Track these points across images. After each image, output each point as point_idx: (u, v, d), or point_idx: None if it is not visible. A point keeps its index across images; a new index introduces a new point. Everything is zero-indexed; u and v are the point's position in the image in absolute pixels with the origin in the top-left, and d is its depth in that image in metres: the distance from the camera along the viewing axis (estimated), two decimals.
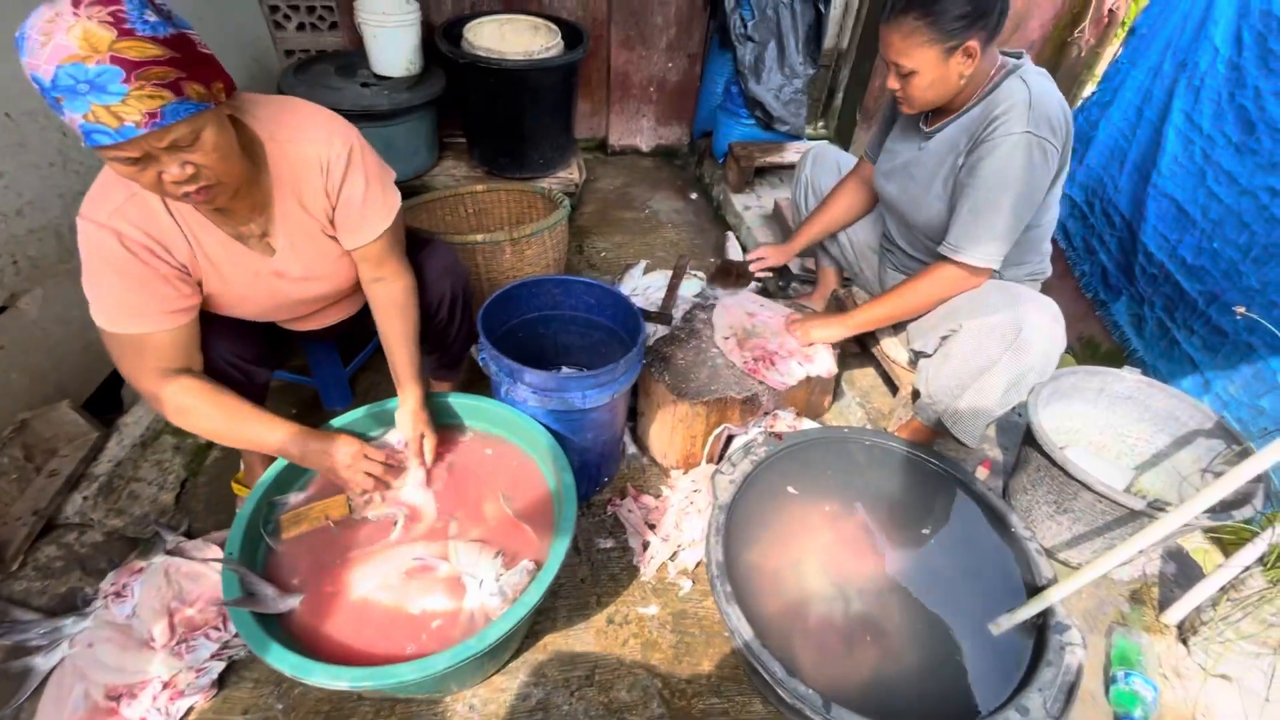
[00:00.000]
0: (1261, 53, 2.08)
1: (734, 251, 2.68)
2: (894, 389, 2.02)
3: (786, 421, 1.70)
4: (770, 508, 1.43)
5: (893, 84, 1.41)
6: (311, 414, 1.87)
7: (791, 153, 2.95)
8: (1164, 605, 1.42)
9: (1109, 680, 1.31)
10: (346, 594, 1.18)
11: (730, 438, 1.68)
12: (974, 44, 1.29)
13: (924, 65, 1.32)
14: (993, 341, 1.39)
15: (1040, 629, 1.18)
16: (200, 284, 1.19)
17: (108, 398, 1.86)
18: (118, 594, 1.34)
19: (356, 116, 2.40)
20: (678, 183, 3.33)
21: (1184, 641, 1.37)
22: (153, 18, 0.89)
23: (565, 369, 1.85)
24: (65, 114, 0.85)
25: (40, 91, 0.84)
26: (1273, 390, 1.96)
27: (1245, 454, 1.35)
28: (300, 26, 2.79)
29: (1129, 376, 1.55)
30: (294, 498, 1.33)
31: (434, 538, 1.28)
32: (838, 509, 1.46)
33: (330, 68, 2.59)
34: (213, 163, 0.99)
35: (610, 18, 3.00)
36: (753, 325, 1.79)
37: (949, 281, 1.48)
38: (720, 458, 1.71)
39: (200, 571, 1.36)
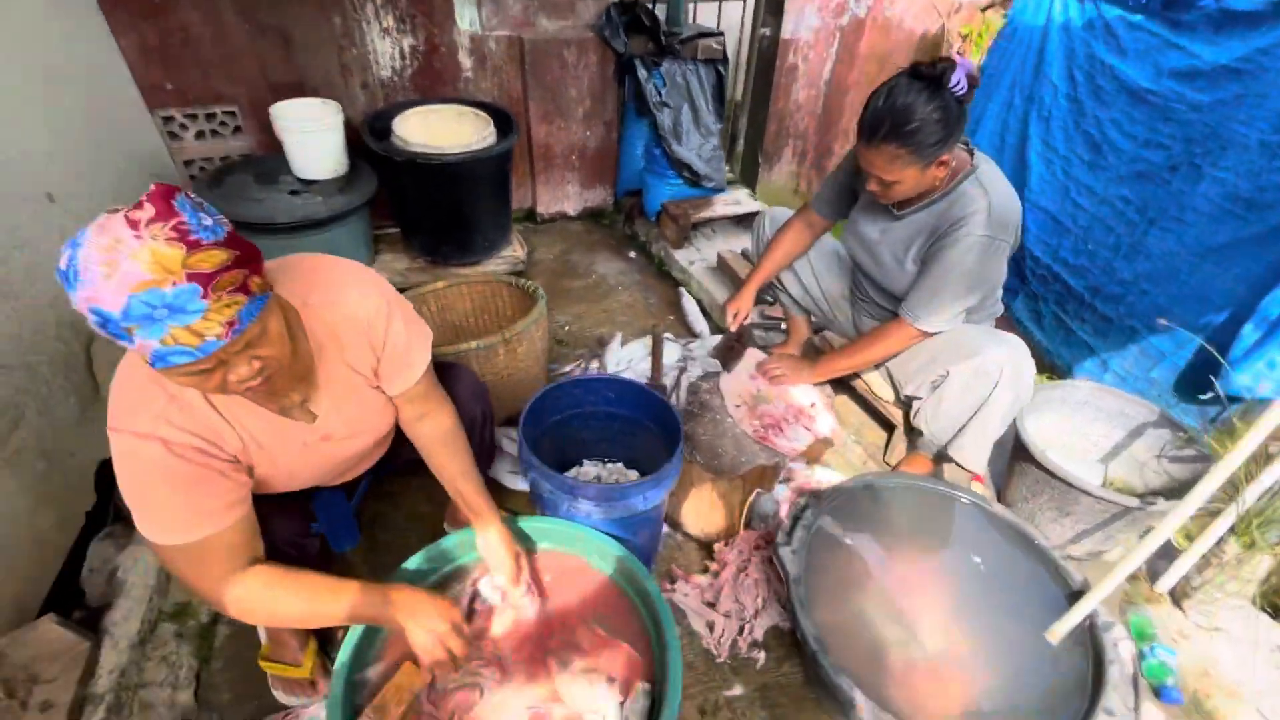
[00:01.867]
0: (1093, 89, 2.51)
1: (690, 308, 2.80)
2: (880, 421, 2.21)
3: (814, 476, 1.82)
4: (832, 566, 1.53)
5: (873, 188, 1.59)
6: (319, 563, 1.73)
7: (720, 205, 3.14)
8: (1154, 577, 1.67)
9: (1138, 656, 1.52)
10: None
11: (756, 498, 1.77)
12: (947, 157, 1.50)
13: (905, 178, 1.52)
14: (981, 382, 1.60)
15: (1090, 629, 1.35)
16: (251, 470, 1.11)
17: (67, 586, 1.63)
18: None
19: (294, 228, 2.28)
20: (612, 242, 3.42)
21: (1178, 605, 1.62)
22: (209, 221, 0.85)
23: (586, 462, 1.85)
24: (135, 341, 0.80)
25: (100, 324, 0.78)
26: (1158, 363, 2.35)
27: (1190, 441, 1.63)
28: (199, 135, 2.60)
29: (1082, 385, 1.81)
30: (372, 672, 1.24)
31: (535, 678, 1.25)
32: (888, 551, 1.58)
33: (248, 177, 2.43)
34: (277, 351, 0.96)
35: (527, 95, 3.05)
36: (758, 390, 1.90)
37: (904, 338, 1.73)
38: (748, 522, 1.79)
39: None
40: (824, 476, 1.93)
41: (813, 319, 2.25)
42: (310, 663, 1.47)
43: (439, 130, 2.54)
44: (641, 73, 2.94)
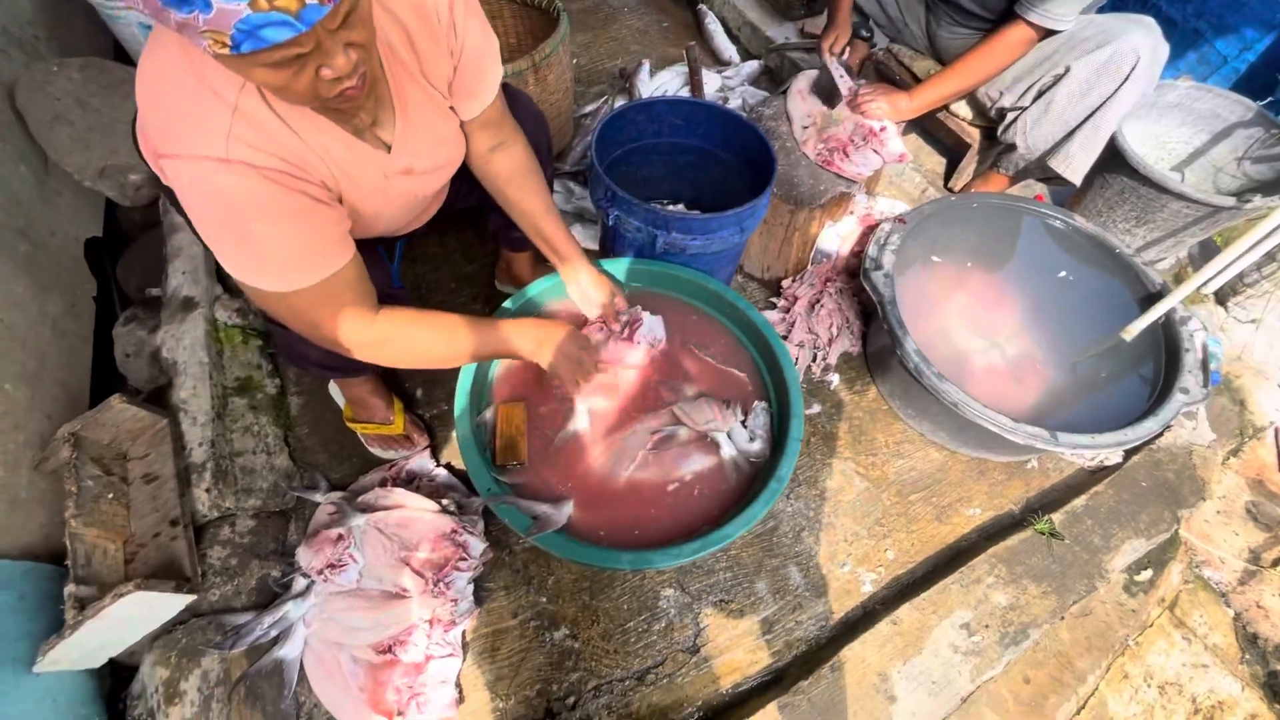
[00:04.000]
0: None
1: (716, 30, 2.41)
2: (937, 145, 2.07)
3: (876, 206, 1.73)
4: (919, 287, 1.53)
5: None
6: None
7: None
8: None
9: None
10: (611, 484, 1.17)
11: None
12: None
13: None
14: (1106, 78, 1.42)
15: (1165, 326, 1.42)
16: (340, 200, 0.93)
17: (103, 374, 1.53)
18: (332, 566, 1.24)
19: None
20: None
21: (1221, 304, 1.72)
22: None
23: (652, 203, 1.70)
24: (214, 6, 0.58)
25: None
26: (1217, 70, 2.21)
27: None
28: None
29: (1180, 85, 1.68)
30: (488, 413, 1.24)
31: (652, 406, 1.26)
32: (970, 270, 1.58)
33: None
34: (370, 37, 0.75)
35: None
36: (828, 111, 1.70)
37: (1023, 45, 1.46)
38: (812, 259, 1.74)
39: (409, 518, 1.28)
40: (885, 207, 1.84)
41: (868, 33, 1.94)
42: (400, 419, 1.46)
43: None
44: None
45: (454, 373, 1.21)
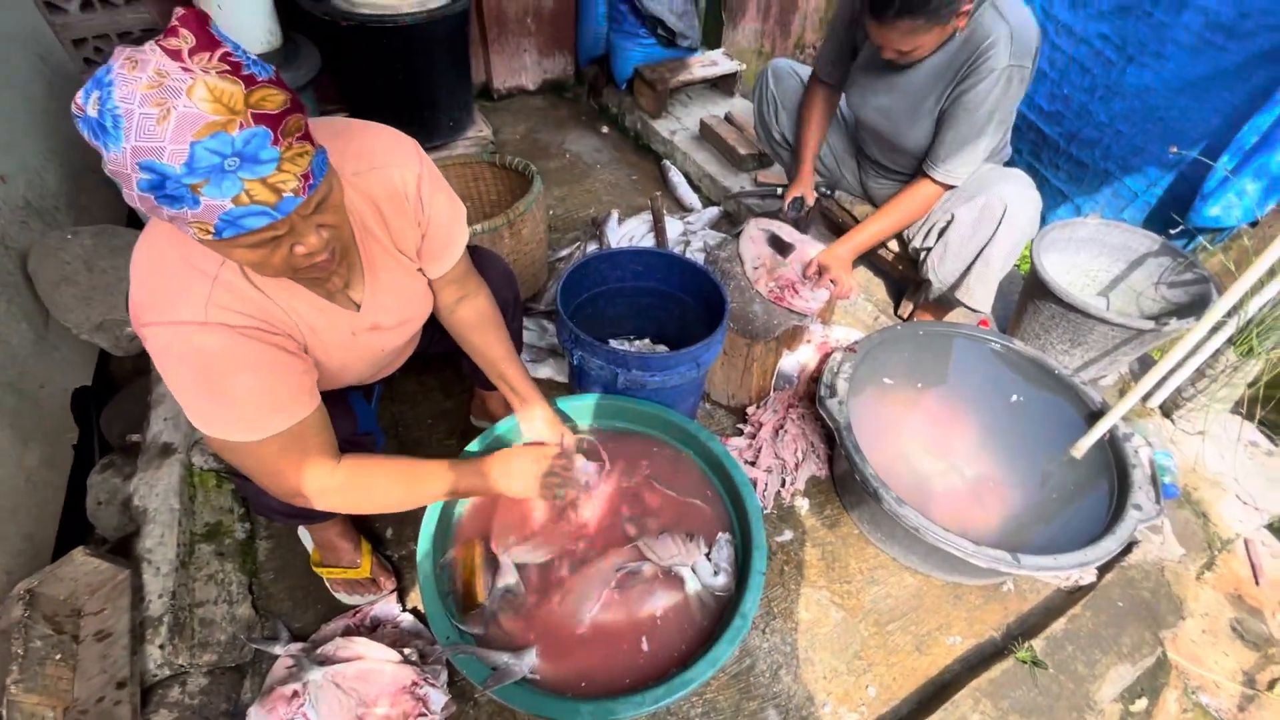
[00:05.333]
0: None
1: (679, 182, 2.68)
2: (887, 277, 2.24)
3: (831, 335, 1.84)
4: (873, 412, 1.59)
5: (890, 56, 1.49)
6: None
7: (698, 67, 2.93)
8: (1145, 396, 1.83)
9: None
10: (576, 627, 1.15)
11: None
12: (966, 5, 1.38)
13: (925, 43, 1.43)
14: (986, 221, 1.61)
15: (1111, 442, 1.48)
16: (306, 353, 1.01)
17: (73, 523, 1.53)
18: None
19: None
20: (581, 117, 3.18)
21: (1167, 416, 1.79)
22: (253, 55, 0.70)
23: (612, 342, 1.81)
24: (201, 203, 0.66)
25: (152, 186, 0.64)
26: (1130, 204, 2.45)
27: (1191, 266, 1.73)
28: (85, 5, 2.17)
29: (1090, 221, 1.86)
30: (449, 556, 1.24)
31: (617, 544, 1.27)
32: (920, 394, 1.65)
33: None
34: (341, 219, 0.85)
35: None
36: (776, 255, 1.86)
37: (932, 196, 1.68)
38: (774, 386, 1.82)
39: (369, 670, 1.24)
40: (841, 335, 1.96)
41: (829, 190, 2.18)
42: (368, 561, 1.45)
43: None
44: None
45: (423, 511, 1.23)
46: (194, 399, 0.86)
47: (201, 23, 0.64)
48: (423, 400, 1.85)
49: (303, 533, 1.51)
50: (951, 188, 1.66)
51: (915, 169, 1.72)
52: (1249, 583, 1.60)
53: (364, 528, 1.54)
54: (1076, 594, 1.50)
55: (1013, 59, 1.46)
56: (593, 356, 1.39)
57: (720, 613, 1.18)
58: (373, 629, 1.39)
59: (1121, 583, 1.48)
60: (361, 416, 1.35)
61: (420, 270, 1.14)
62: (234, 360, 0.85)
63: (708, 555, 1.24)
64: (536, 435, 1.32)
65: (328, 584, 1.45)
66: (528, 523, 1.29)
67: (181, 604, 1.37)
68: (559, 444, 1.28)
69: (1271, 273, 1.44)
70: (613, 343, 1.80)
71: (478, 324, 1.27)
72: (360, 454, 1.04)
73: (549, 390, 1.88)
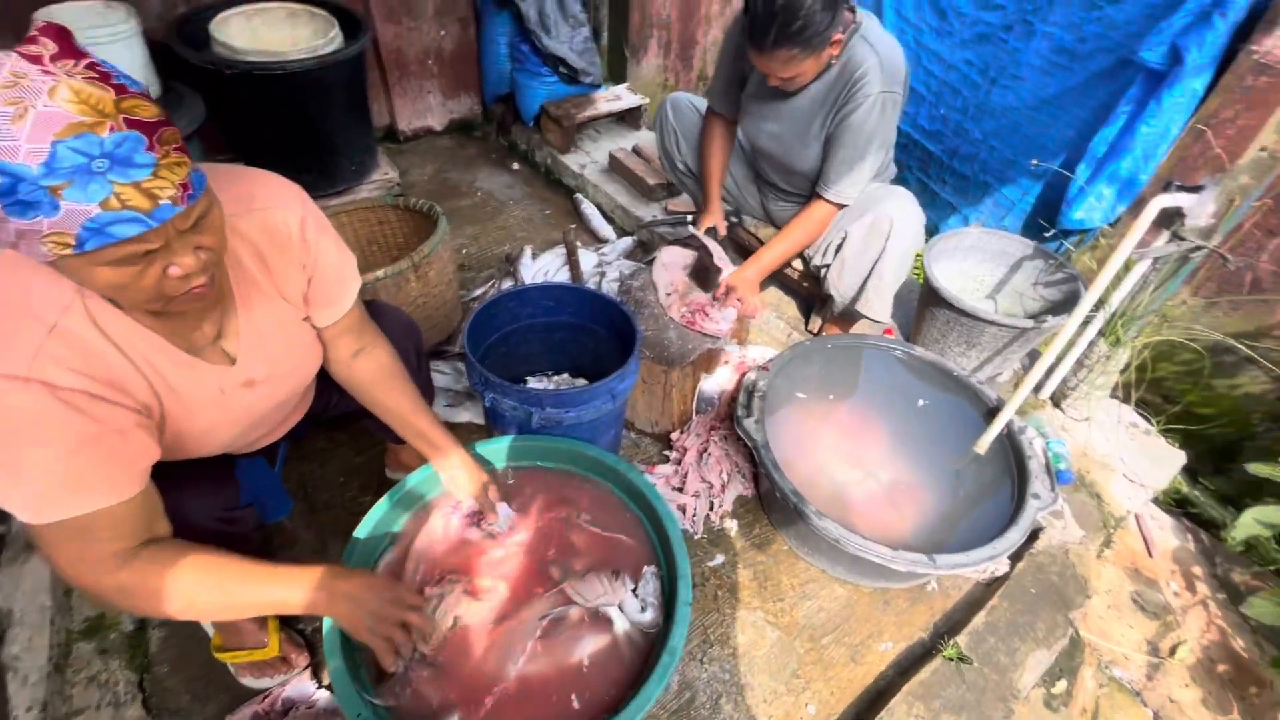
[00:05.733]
0: None
1: (592, 214, 2.70)
2: (795, 295, 2.32)
3: (747, 355, 1.89)
4: (789, 428, 1.63)
5: (774, 84, 1.59)
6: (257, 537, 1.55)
7: (603, 102, 2.99)
8: (1037, 389, 1.96)
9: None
10: (502, 685, 1.10)
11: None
12: (839, 35, 1.50)
13: (805, 70, 1.53)
14: (875, 236, 1.71)
15: (1009, 437, 1.57)
16: (163, 426, 0.91)
17: None
18: None
19: None
20: (491, 156, 3.17)
21: (1058, 406, 1.92)
22: (122, 69, 0.67)
23: (530, 380, 1.78)
24: (62, 208, 0.61)
25: (6, 191, 0.59)
26: (1009, 212, 2.66)
27: (1061, 266, 1.87)
28: None
29: (972, 231, 2.00)
30: None
31: (544, 590, 1.23)
32: (832, 406, 1.71)
33: None
34: (220, 242, 0.79)
35: None
36: (689, 281, 1.89)
37: (826, 215, 1.78)
38: (697, 408, 1.84)
39: None
40: (756, 354, 2.01)
41: (737, 218, 2.25)
42: (275, 639, 1.34)
43: (270, 34, 2.14)
44: None
45: None
46: None
47: (64, 34, 0.60)
48: (332, 457, 1.76)
49: None
50: (843, 206, 1.75)
51: (811, 190, 1.80)
52: (1143, 556, 1.71)
53: None
54: (994, 585, 1.56)
55: (884, 86, 1.58)
56: (505, 398, 1.36)
57: (650, 650, 1.16)
58: (284, 713, 1.28)
59: (1032, 569, 1.56)
60: (249, 485, 1.25)
61: (308, 319, 1.08)
62: (37, 431, 0.74)
63: (634, 591, 1.21)
64: (453, 483, 1.27)
65: (232, 669, 1.34)
66: (445, 578, 1.23)
67: (56, 714, 1.22)
68: (481, 491, 1.24)
69: (1126, 268, 1.58)
70: (530, 380, 1.78)
71: (380, 378, 1.22)
72: (168, 546, 0.89)
73: (470, 434, 1.82)
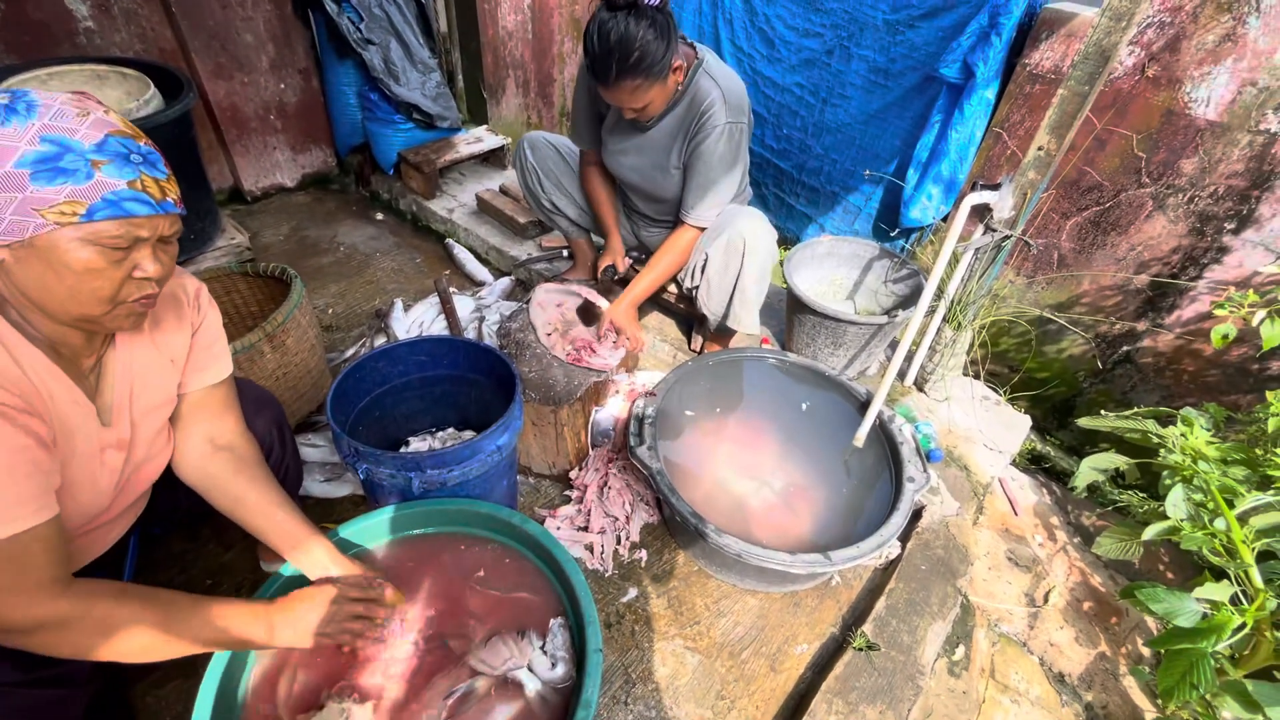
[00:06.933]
0: None
1: (464, 257, 2.64)
2: (677, 317, 2.38)
3: (637, 381, 1.90)
4: (681, 450, 1.65)
5: (629, 115, 1.65)
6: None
7: (464, 145, 2.95)
8: (901, 376, 2.12)
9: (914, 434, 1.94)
10: None
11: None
12: (678, 61, 1.58)
13: (653, 98, 1.59)
14: (732, 255, 1.79)
15: (881, 425, 1.68)
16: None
17: None
18: None
19: None
20: (351, 208, 3.03)
21: (921, 390, 2.09)
22: None
23: (413, 440, 1.69)
24: (94, 177, 0.75)
25: (46, 159, 0.72)
26: (857, 217, 2.89)
27: (904, 264, 2.06)
28: None
29: (824, 240, 2.15)
30: None
31: (446, 666, 1.15)
32: (720, 421, 1.75)
33: None
34: (172, 263, 0.89)
35: (186, 46, 2.46)
36: (568, 317, 1.89)
37: (689, 239, 1.86)
38: (593, 443, 1.83)
39: None
40: (645, 379, 2.02)
41: (593, 237, 2.29)
42: None
43: None
44: (331, 6, 2.55)
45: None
46: None
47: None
48: (197, 558, 1.57)
49: None
50: (704, 229, 1.82)
51: (673, 218, 1.86)
52: (1010, 516, 1.88)
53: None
54: (890, 568, 1.65)
55: (730, 117, 1.67)
56: (379, 466, 1.28)
57: (565, 706, 1.12)
58: None
59: (920, 547, 1.67)
60: None
61: (179, 387, 1.07)
62: None
63: (542, 648, 1.17)
64: (325, 574, 1.17)
65: None
66: (330, 677, 1.12)
67: None
68: (357, 577, 1.14)
69: (955, 259, 1.76)
70: (414, 441, 1.69)
71: (244, 466, 1.13)
72: (100, 580, 0.86)
73: (354, 507, 1.70)
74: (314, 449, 1.76)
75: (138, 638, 0.84)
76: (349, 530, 1.27)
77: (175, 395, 1.07)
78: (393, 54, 2.72)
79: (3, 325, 0.81)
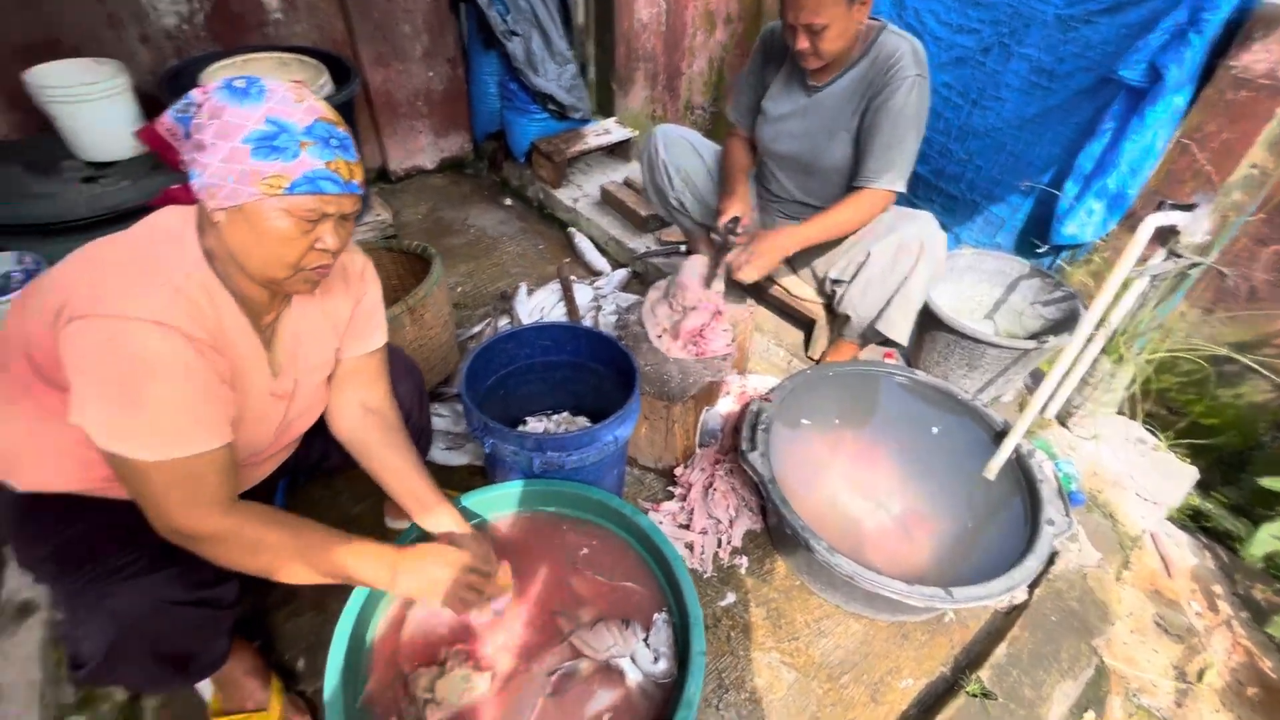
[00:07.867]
0: None
1: (586, 247, 2.70)
2: (795, 321, 2.31)
3: (749, 384, 1.87)
4: (795, 461, 1.60)
5: (803, 44, 1.57)
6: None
7: (592, 137, 3.02)
8: (1041, 409, 1.94)
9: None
10: None
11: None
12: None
13: (834, 18, 1.51)
14: (903, 256, 1.69)
15: (1018, 459, 1.54)
16: None
17: None
18: None
19: (100, 221, 1.86)
20: (483, 192, 3.19)
21: (1064, 425, 1.90)
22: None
23: (530, 420, 1.76)
24: (300, 156, 0.84)
25: (266, 137, 0.82)
26: (1000, 229, 2.67)
27: (1058, 285, 1.87)
28: None
29: (965, 252, 2.00)
30: (368, 688, 1.12)
31: (552, 644, 1.19)
32: (839, 435, 1.68)
33: (15, 169, 1.92)
34: (348, 239, 0.97)
35: (353, 36, 2.68)
36: (676, 315, 1.87)
37: (869, 205, 1.71)
38: (701, 442, 1.81)
39: None
40: (757, 383, 1.99)
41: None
42: (278, 701, 1.29)
43: None
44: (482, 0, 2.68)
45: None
46: (103, 404, 0.81)
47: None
48: (330, 507, 1.72)
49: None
50: (895, 194, 1.69)
51: (828, 196, 1.79)
52: (1162, 576, 1.68)
53: (274, 662, 1.39)
54: (1013, 613, 1.52)
55: (919, 70, 1.60)
56: (505, 443, 1.33)
57: (666, 701, 1.12)
58: None
59: (1051, 596, 1.53)
60: None
61: (338, 351, 1.16)
62: (170, 370, 0.83)
63: (646, 641, 1.18)
64: (451, 540, 1.23)
65: None
66: (445, 643, 1.18)
67: None
68: (479, 552, 1.20)
69: (1125, 287, 1.58)
70: (530, 420, 1.75)
71: (387, 432, 1.21)
72: (258, 504, 0.96)
73: (469, 476, 1.79)
74: (439, 418, 1.87)
75: (277, 560, 0.95)
76: (471, 500, 1.33)
77: (334, 358, 1.16)
78: (534, 45, 2.81)
79: (209, 274, 0.91)
